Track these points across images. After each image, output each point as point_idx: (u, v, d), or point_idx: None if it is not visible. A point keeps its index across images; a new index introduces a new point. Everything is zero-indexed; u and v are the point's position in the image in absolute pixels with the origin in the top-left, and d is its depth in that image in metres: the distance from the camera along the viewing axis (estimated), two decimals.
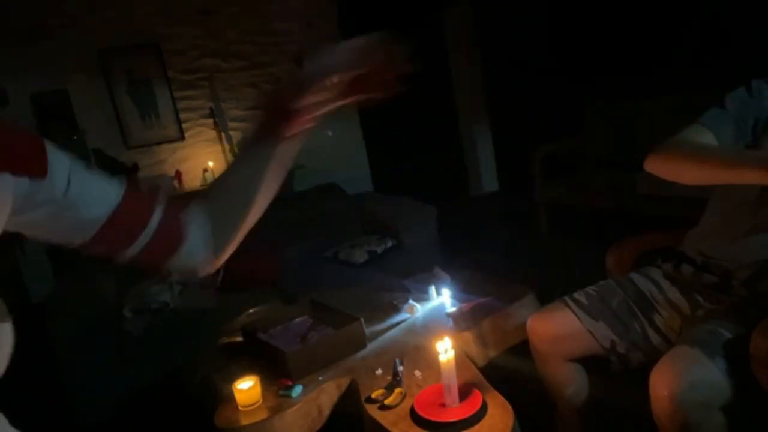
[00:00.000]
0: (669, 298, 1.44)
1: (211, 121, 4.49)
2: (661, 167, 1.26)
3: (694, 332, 1.24)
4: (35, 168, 0.62)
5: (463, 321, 1.70)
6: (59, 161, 0.65)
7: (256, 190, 0.81)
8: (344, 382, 1.49)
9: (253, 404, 1.40)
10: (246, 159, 0.83)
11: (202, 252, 0.78)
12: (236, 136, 4.63)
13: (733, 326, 1.21)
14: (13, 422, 0.68)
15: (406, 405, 1.31)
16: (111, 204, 0.69)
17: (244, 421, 1.36)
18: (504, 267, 3.22)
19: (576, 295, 1.50)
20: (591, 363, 1.55)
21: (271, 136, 0.80)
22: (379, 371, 1.48)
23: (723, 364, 1.13)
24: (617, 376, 1.45)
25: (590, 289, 1.51)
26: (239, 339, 1.82)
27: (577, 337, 1.44)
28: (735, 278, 1.34)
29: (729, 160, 1.13)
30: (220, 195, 0.82)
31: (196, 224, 0.77)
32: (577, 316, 1.44)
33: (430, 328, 1.71)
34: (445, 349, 1.24)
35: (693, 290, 1.41)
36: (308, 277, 2.60)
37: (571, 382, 1.54)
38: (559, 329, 1.46)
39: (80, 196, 0.66)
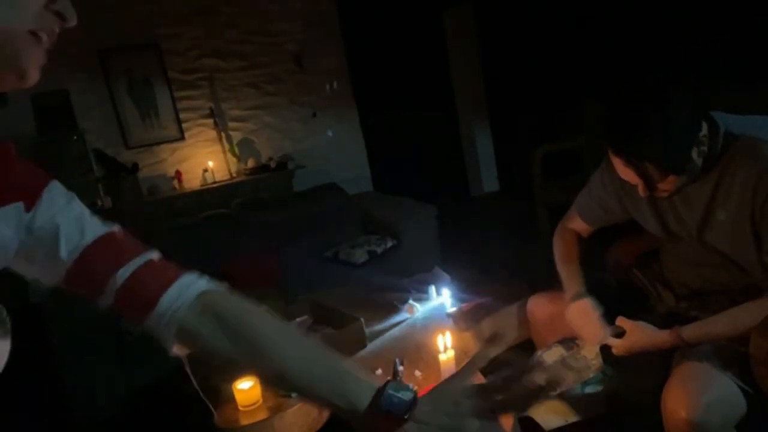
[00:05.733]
0: (658, 290, 1.50)
1: (211, 121, 4.48)
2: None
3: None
4: (27, 199, 0.64)
5: (463, 321, 1.70)
6: (54, 198, 0.67)
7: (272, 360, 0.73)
8: None
9: (253, 404, 1.40)
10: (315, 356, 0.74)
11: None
12: (236, 136, 4.63)
13: None
14: (13, 422, 0.68)
15: None
16: (80, 246, 0.69)
17: (244, 421, 1.36)
18: (504, 267, 3.22)
19: None
20: None
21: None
22: (379, 371, 1.48)
23: (735, 373, 1.13)
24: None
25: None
26: None
27: None
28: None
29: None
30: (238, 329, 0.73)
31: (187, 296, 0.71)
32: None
33: (430, 328, 1.71)
34: (444, 348, 1.24)
35: (683, 286, 1.45)
36: (308, 277, 2.60)
37: None
38: (553, 309, 1.52)
39: (54, 232, 0.67)
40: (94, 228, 0.71)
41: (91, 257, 0.69)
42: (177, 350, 0.73)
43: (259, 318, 0.76)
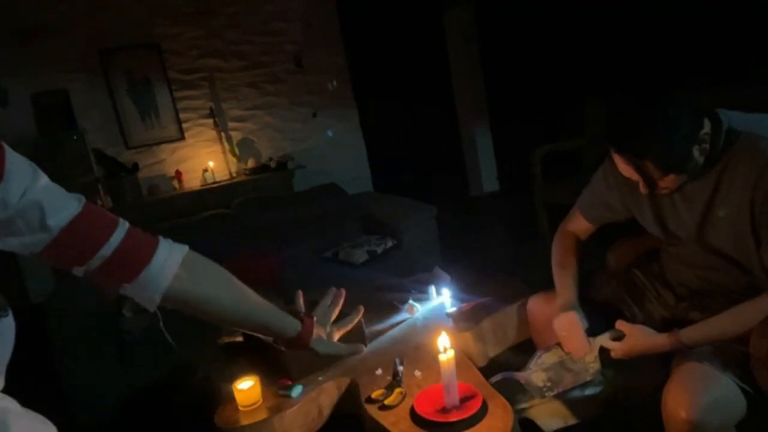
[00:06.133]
0: (658, 290, 1.50)
1: (211, 121, 4.48)
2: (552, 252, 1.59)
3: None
4: None
5: (463, 321, 1.70)
6: (19, 169, 0.66)
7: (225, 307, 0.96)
8: (344, 382, 1.49)
9: (253, 404, 1.40)
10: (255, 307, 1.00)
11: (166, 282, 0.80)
12: (236, 136, 4.63)
13: None
14: None
15: (406, 405, 1.30)
16: (66, 217, 0.70)
17: (244, 421, 1.36)
18: (504, 267, 3.22)
19: None
20: None
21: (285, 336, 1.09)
22: (379, 371, 1.48)
23: (735, 373, 1.13)
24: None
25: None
26: (239, 339, 1.82)
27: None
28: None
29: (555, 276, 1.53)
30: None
31: (169, 256, 0.82)
32: None
33: (430, 328, 1.71)
34: (444, 349, 1.24)
35: (682, 287, 1.45)
36: (308, 277, 2.60)
37: None
38: (553, 310, 1.51)
39: (36, 204, 0.67)
40: (73, 197, 0.73)
41: (81, 224, 0.71)
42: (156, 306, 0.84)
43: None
